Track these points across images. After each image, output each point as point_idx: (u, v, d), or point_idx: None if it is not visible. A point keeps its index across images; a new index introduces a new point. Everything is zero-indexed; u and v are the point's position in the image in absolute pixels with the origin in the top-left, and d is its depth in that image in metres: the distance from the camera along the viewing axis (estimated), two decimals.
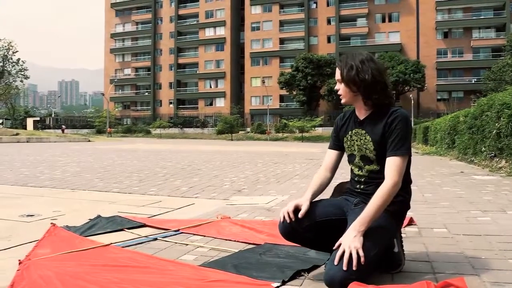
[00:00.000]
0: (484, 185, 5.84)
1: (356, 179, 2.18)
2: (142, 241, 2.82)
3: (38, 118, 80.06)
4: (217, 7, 71.96)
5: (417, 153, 16.19)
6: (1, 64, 64.71)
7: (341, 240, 1.85)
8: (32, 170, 8.21)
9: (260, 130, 54.82)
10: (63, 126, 65.65)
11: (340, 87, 2.10)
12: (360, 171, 2.14)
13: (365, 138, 2.10)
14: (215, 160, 11.73)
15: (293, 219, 2.00)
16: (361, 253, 1.78)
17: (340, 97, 2.13)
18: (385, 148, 2.03)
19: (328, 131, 47.43)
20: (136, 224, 3.29)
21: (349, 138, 2.18)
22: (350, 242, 1.81)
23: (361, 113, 2.14)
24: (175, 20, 74.45)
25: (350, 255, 1.78)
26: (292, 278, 2.01)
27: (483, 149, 9.13)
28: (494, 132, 8.37)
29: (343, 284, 1.73)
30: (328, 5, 65.49)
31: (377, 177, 2.07)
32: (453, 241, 2.71)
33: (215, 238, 2.88)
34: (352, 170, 2.22)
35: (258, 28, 68.72)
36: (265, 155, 14.53)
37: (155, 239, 2.87)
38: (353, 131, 2.16)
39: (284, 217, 2.03)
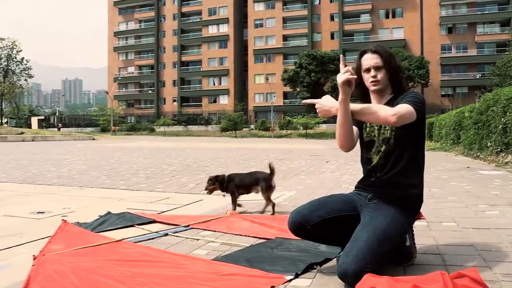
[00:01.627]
0: (491, 179, 5.84)
1: (371, 167, 2.17)
2: (153, 237, 2.84)
3: (42, 117, 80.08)
4: (220, 4, 71.86)
5: None
6: (5, 63, 64.94)
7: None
8: (39, 168, 8.27)
9: (264, 127, 54.61)
10: (59, 124, 65.32)
11: (380, 74, 2.14)
12: (376, 156, 2.15)
13: None
14: (221, 157, 11.75)
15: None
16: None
17: (378, 83, 2.13)
18: (404, 129, 2.05)
19: (332, 127, 47.29)
20: (146, 220, 3.32)
21: (368, 125, 2.20)
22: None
23: (382, 101, 2.17)
24: (178, 17, 74.40)
25: (361, 250, 1.82)
26: (305, 271, 2.04)
27: (489, 144, 9.11)
28: (500, 127, 8.35)
29: (356, 276, 1.75)
30: (331, 1, 65.25)
31: (394, 161, 2.09)
32: (462, 235, 2.72)
33: (226, 233, 2.90)
34: (366, 162, 2.21)
35: (261, 25, 68.60)
36: (270, 152, 14.53)
37: (166, 234, 2.89)
38: None
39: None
